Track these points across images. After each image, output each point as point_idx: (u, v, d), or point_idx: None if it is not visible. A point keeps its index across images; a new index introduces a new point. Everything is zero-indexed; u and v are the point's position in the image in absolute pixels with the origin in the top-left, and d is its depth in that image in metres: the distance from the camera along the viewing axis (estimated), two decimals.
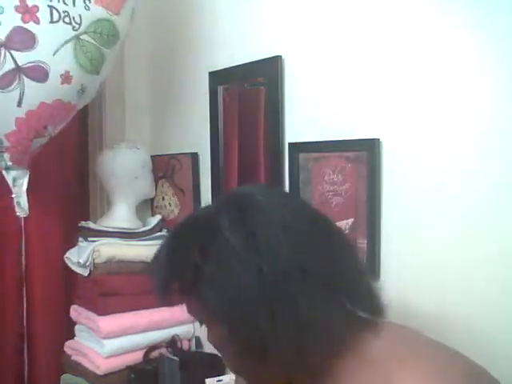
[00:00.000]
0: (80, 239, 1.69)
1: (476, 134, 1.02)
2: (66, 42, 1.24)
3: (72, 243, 1.72)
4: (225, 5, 1.59)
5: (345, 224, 1.24)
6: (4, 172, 1.36)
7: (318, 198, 1.30)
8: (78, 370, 1.61)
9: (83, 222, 1.74)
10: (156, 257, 0.75)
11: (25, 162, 1.37)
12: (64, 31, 1.23)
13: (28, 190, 1.85)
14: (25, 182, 1.38)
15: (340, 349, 0.64)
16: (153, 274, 0.74)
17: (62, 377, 1.66)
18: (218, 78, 1.60)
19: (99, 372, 1.53)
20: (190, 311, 0.75)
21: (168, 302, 0.73)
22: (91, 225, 1.71)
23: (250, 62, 1.47)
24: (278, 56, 1.39)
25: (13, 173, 1.35)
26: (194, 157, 1.72)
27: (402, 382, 0.58)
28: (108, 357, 1.55)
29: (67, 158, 1.98)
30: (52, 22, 1.21)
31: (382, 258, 1.19)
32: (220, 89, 1.60)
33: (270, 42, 1.43)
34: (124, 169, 1.72)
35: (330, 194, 1.27)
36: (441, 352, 0.64)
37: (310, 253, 0.66)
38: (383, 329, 0.67)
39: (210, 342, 0.76)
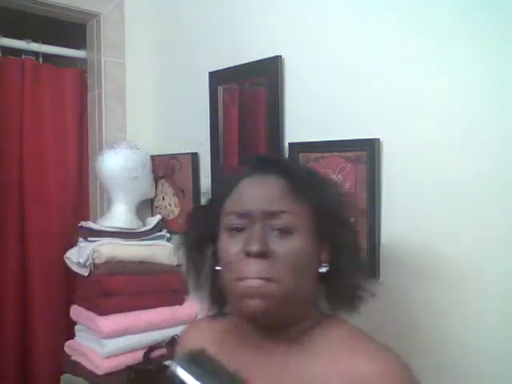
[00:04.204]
0: (80, 239, 1.68)
1: (476, 133, 1.02)
2: None
3: (72, 243, 1.72)
4: (225, 5, 1.59)
5: None
6: None
7: None
8: (78, 370, 1.60)
9: (83, 222, 1.73)
10: None
11: None
12: None
13: (27, 190, 1.87)
14: None
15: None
16: None
17: (62, 377, 1.66)
18: (218, 77, 1.60)
19: (99, 372, 1.53)
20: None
21: None
22: (91, 225, 1.71)
23: (250, 62, 1.47)
24: (277, 56, 1.39)
25: None
26: (194, 157, 1.72)
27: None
28: (108, 357, 1.54)
29: (67, 157, 1.98)
30: None
31: (381, 257, 1.19)
32: (220, 89, 1.60)
33: (270, 42, 1.43)
34: (124, 169, 1.72)
35: None
36: None
37: None
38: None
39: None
